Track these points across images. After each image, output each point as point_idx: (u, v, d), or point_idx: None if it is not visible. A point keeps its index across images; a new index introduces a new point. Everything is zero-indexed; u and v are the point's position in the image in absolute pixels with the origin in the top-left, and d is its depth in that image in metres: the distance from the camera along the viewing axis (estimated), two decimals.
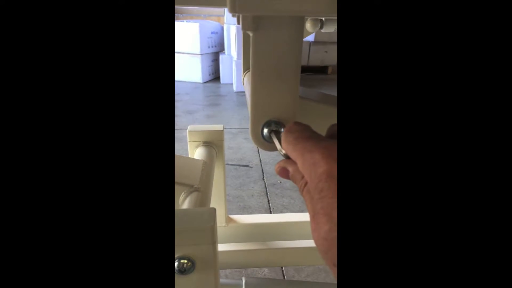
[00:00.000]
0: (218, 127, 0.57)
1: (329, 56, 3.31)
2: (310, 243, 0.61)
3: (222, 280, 0.54)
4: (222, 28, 3.21)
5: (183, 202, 0.40)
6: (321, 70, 3.42)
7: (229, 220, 0.65)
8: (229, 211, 0.86)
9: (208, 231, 0.30)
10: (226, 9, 0.27)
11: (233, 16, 0.33)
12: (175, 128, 1.57)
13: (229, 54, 3.03)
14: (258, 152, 1.62)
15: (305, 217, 0.66)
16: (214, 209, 0.32)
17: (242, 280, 0.54)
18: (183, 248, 0.30)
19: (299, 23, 0.29)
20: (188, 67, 3.11)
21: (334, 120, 0.26)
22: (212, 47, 3.20)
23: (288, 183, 1.31)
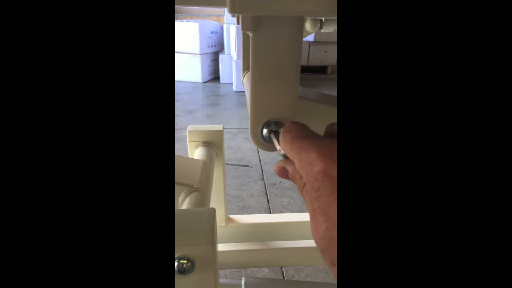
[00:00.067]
0: (218, 127, 0.57)
1: (329, 56, 3.31)
2: (310, 243, 0.61)
3: (221, 280, 0.54)
4: (222, 28, 3.21)
5: (183, 202, 0.40)
6: (321, 70, 3.42)
7: (228, 220, 0.65)
8: (228, 211, 0.86)
9: (207, 231, 0.30)
10: (226, 9, 0.27)
11: (233, 16, 0.33)
12: (175, 128, 1.57)
13: (229, 54, 3.03)
14: (258, 152, 1.62)
15: (304, 217, 0.66)
16: (214, 209, 0.32)
17: (241, 280, 0.54)
18: (183, 248, 0.30)
19: (299, 23, 0.29)
20: (187, 67, 3.11)
21: (333, 120, 0.26)
22: (212, 47, 3.20)
23: (287, 183, 1.31)
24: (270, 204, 1.20)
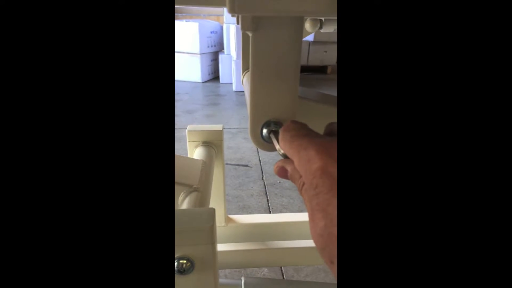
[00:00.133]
0: (218, 127, 0.57)
1: (329, 56, 3.31)
2: (310, 243, 0.61)
3: (221, 280, 0.54)
4: (222, 28, 3.21)
5: (182, 202, 0.40)
6: (321, 70, 3.42)
7: (228, 220, 0.65)
8: (228, 211, 0.86)
9: (207, 231, 0.30)
10: (225, 9, 0.27)
11: (233, 16, 0.33)
12: (175, 127, 1.56)
13: (229, 54, 3.03)
14: (258, 152, 1.62)
15: (304, 217, 0.66)
16: (213, 209, 0.32)
17: (241, 280, 0.54)
18: (182, 248, 0.30)
19: (299, 23, 0.29)
20: (187, 67, 3.11)
21: (333, 120, 0.26)
22: (212, 46, 3.20)
23: (287, 183, 1.31)
24: (269, 204, 1.20)
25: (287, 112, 0.32)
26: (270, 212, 1.15)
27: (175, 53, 2.99)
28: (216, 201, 0.61)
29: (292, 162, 0.26)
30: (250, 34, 0.29)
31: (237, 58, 2.74)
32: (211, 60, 3.25)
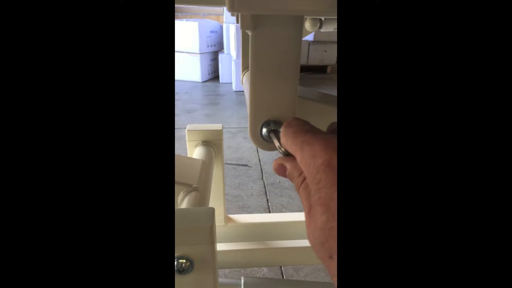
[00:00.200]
0: (217, 126, 0.57)
1: (328, 56, 3.31)
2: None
3: (221, 280, 0.53)
4: (221, 27, 3.21)
5: (182, 202, 0.40)
6: (320, 69, 3.42)
7: (228, 220, 0.65)
8: (228, 210, 0.86)
9: (206, 231, 0.30)
10: (225, 8, 0.27)
11: (232, 15, 0.33)
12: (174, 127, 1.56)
13: (228, 53, 3.03)
14: (257, 152, 1.62)
15: (304, 216, 0.66)
16: (213, 209, 0.32)
17: (241, 279, 0.54)
18: (182, 248, 0.30)
19: (298, 22, 0.29)
20: (187, 66, 3.11)
21: (333, 119, 0.26)
22: (211, 46, 3.20)
23: (287, 182, 1.31)
24: (269, 204, 1.20)
25: (287, 111, 0.32)
26: (269, 212, 1.15)
27: (175, 53, 2.99)
28: (215, 201, 0.61)
29: (291, 159, 0.26)
30: (249, 33, 0.29)
31: (237, 57, 2.74)
32: (211, 60, 3.25)
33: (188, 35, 2.96)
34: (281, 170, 0.27)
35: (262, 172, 1.43)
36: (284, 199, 1.22)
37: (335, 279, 0.18)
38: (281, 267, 0.90)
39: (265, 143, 0.33)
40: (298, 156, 0.24)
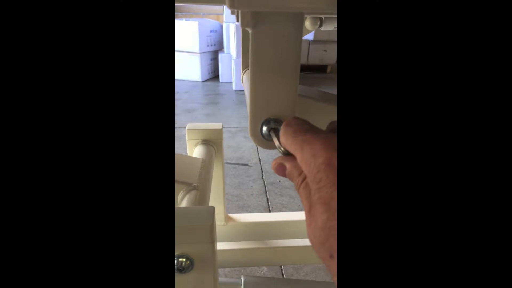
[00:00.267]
0: (217, 125, 0.56)
1: (328, 55, 3.32)
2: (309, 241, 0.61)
3: (221, 279, 0.53)
4: (221, 27, 3.21)
5: (182, 201, 0.40)
6: (320, 69, 3.42)
7: (228, 219, 0.65)
8: (228, 210, 0.86)
9: (207, 229, 0.30)
10: (225, 7, 0.27)
11: (232, 12, 0.33)
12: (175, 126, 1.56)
13: (228, 53, 3.02)
14: (257, 151, 1.62)
15: (304, 216, 0.66)
16: (213, 208, 0.32)
17: (241, 279, 0.54)
18: (182, 247, 0.30)
19: (299, 20, 0.28)
20: (187, 66, 3.10)
21: (333, 118, 0.26)
22: (211, 45, 3.19)
23: (287, 182, 1.31)
24: (269, 203, 1.20)
25: (287, 110, 0.32)
26: (269, 211, 1.15)
27: (175, 52, 2.99)
28: (215, 200, 0.61)
29: (291, 159, 0.25)
30: (250, 31, 0.29)
31: (237, 57, 2.74)
32: (211, 59, 3.25)
33: (188, 34, 2.96)
34: (280, 169, 0.27)
35: (262, 171, 1.43)
36: (284, 199, 1.22)
37: (336, 278, 0.18)
38: (281, 266, 0.90)
39: (265, 141, 0.33)
40: (298, 155, 0.24)
